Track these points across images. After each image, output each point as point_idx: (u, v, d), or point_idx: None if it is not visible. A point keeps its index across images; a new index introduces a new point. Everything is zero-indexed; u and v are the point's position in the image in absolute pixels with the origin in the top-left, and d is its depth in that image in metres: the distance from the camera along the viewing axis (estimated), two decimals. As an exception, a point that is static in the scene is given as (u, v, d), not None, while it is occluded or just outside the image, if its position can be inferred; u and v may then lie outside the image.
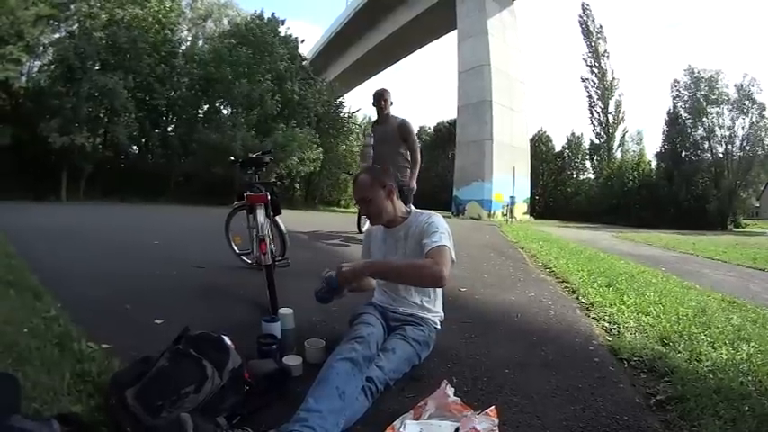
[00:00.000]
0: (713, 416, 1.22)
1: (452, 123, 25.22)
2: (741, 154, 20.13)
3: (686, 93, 21.45)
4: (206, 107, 18.42)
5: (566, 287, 2.94)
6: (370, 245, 1.80)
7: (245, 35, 17.65)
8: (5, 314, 1.67)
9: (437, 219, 1.57)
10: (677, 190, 20.48)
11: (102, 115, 15.30)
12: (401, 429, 1.05)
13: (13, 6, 12.63)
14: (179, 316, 1.86)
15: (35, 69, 15.29)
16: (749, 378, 1.49)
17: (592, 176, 27.63)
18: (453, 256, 1.47)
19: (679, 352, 1.72)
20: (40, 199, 12.94)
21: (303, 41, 19.94)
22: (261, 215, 2.26)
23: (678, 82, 21.74)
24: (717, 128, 20.55)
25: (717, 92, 20.31)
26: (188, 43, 19.41)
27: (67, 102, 13.47)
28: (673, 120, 21.92)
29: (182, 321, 1.43)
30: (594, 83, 26.90)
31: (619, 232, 11.77)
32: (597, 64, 26.79)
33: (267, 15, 18.78)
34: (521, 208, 18.37)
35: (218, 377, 1.12)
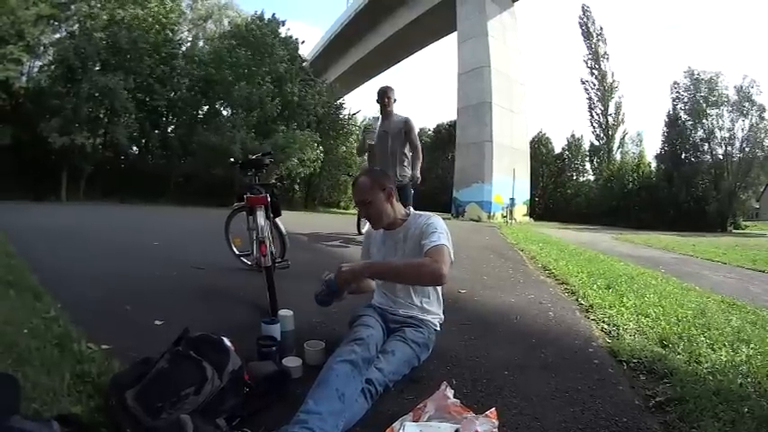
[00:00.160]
0: (712, 417, 1.22)
1: (452, 125, 25.24)
2: (741, 155, 20.07)
3: (686, 94, 21.41)
4: (206, 108, 18.41)
5: (565, 289, 2.93)
6: (369, 246, 1.81)
7: (245, 36, 17.63)
8: (5, 314, 1.67)
9: (436, 220, 1.59)
10: (677, 191, 20.43)
11: (102, 116, 15.30)
12: (400, 431, 1.06)
13: (14, 6, 12.65)
14: (179, 317, 1.86)
15: (35, 69, 15.32)
16: (748, 380, 1.50)
17: (592, 178, 27.64)
18: (452, 256, 1.48)
19: (678, 354, 1.72)
20: (40, 199, 12.93)
21: (303, 43, 19.98)
22: (261, 217, 2.26)
23: (678, 83, 21.74)
24: (716, 129, 20.49)
25: (716, 93, 20.26)
26: (188, 44, 19.38)
27: (68, 102, 13.49)
28: (672, 121, 21.87)
29: (182, 323, 1.43)
30: (594, 84, 26.94)
31: (618, 234, 11.78)
32: (597, 66, 26.82)
33: (267, 16, 18.78)
34: (520, 210, 18.37)
35: (218, 379, 1.12)
